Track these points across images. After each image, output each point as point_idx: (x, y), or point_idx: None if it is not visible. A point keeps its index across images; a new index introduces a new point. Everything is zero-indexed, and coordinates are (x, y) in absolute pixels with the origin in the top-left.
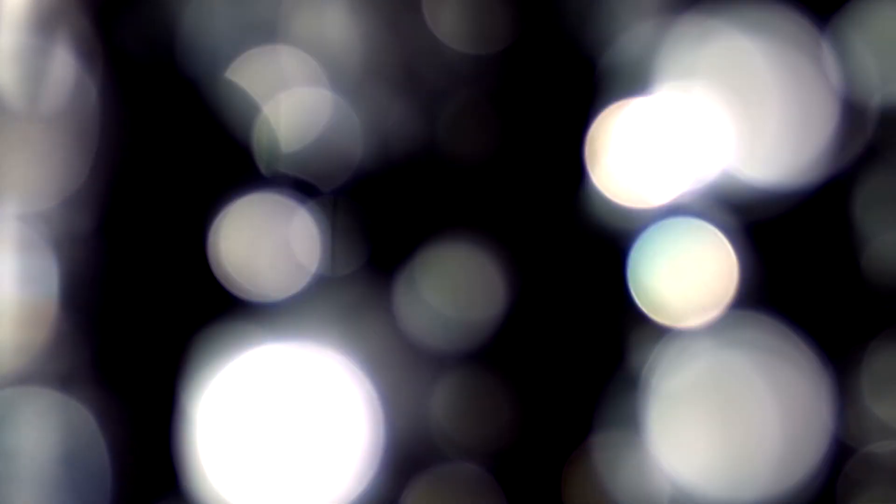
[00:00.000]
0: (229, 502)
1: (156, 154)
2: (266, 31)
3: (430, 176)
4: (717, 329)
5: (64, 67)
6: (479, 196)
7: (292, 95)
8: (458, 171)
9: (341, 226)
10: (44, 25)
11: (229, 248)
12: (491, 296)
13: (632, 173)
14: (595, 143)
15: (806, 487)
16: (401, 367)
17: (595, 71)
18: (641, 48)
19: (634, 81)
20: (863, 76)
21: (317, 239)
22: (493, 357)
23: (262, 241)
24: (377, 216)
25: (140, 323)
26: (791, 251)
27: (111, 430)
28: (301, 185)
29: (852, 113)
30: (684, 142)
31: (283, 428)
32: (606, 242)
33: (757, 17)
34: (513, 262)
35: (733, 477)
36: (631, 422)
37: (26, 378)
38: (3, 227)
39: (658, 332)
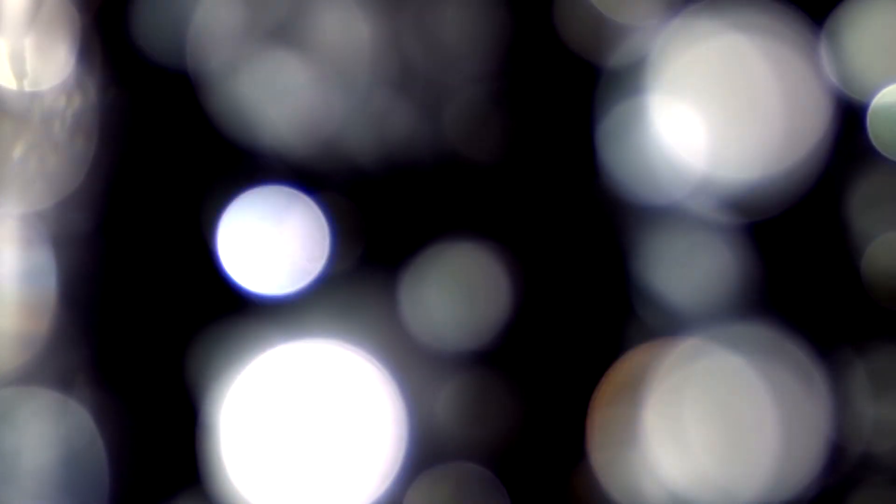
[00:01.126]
0: (232, 501)
1: (156, 153)
2: (268, 30)
3: (435, 175)
4: (715, 329)
5: (64, 67)
6: (485, 195)
7: (295, 94)
8: (464, 171)
9: (347, 224)
10: (44, 25)
11: (231, 247)
12: (496, 295)
13: (632, 172)
14: (599, 145)
15: (805, 488)
16: (406, 366)
17: (596, 71)
18: (639, 48)
19: (632, 81)
20: (859, 76)
21: (321, 237)
22: (498, 357)
23: (264, 240)
24: (383, 215)
25: (140, 322)
26: (788, 251)
27: (111, 429)
28: (304, 183)
29: (848, 112)
30: (681, 141)
31: (287, 427)
32: (611, 242)
33: (753, 18)
34: (517, 262)
35: (732, 478)
36: (631, 422)
37: (26, 377)
38: (3, 225)
39: (657, 331)
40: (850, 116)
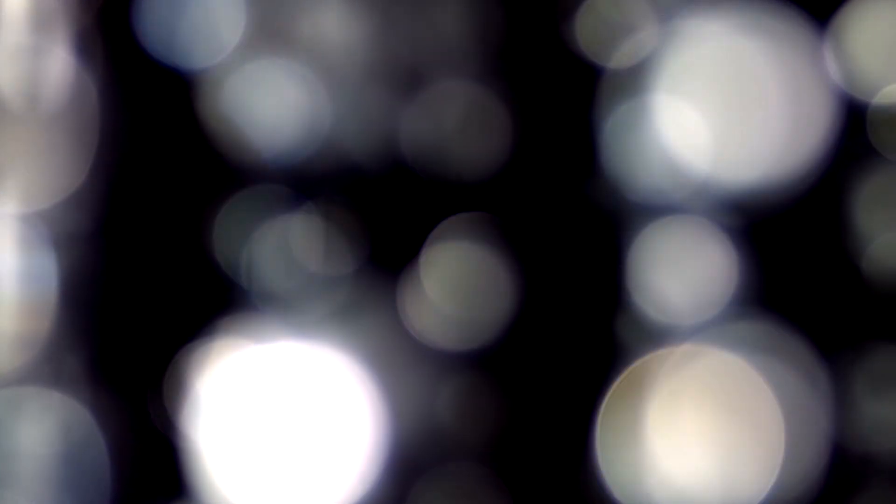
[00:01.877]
0: (229, 501)
1: (155, 153)
2: (268, 31)
3: (434, 176)
4: (716, 330)
5: (64, 67)
6: (485, 196)
7: (294, 96)
8: (464, 172)
9: (345, 225)
10: (44, 25)
11: (230, 248)
12: (496, 296)
13: (634, 173)
14: (601, 146)
15: (805, 488)
16: (404, 366)
17: (598, 72)
18: (642, 49)
19: (635, 82)
20: (861, 76)
21: (319, 238)
22: (497, 357)
23: (265, 240)
24: (381, 215)
25: (140, 322)
26: (789, 251)
27: (111, 429)
28: (302, 183)
29: (851, 112)
30: (683, 142)
31: (285, 427)
32: (612, 243)
33: (755, 18)
34: (518, 263)
35: (733, 478)
36: (631, 422)
37: (26, 378)
38: (3, 226)
39: (657, 333)
40: (852, 116)
